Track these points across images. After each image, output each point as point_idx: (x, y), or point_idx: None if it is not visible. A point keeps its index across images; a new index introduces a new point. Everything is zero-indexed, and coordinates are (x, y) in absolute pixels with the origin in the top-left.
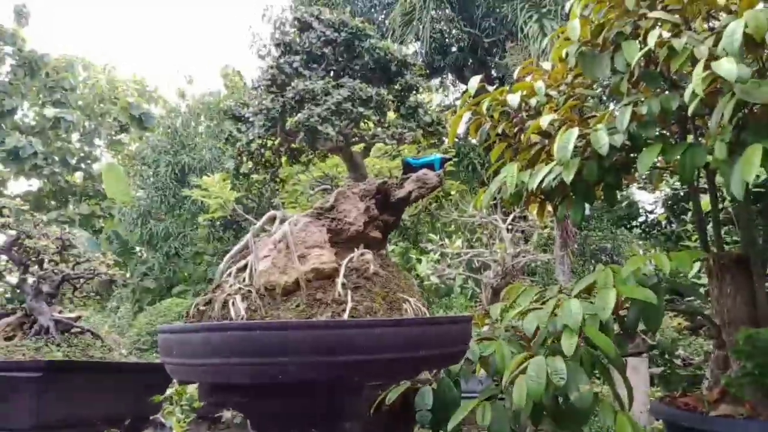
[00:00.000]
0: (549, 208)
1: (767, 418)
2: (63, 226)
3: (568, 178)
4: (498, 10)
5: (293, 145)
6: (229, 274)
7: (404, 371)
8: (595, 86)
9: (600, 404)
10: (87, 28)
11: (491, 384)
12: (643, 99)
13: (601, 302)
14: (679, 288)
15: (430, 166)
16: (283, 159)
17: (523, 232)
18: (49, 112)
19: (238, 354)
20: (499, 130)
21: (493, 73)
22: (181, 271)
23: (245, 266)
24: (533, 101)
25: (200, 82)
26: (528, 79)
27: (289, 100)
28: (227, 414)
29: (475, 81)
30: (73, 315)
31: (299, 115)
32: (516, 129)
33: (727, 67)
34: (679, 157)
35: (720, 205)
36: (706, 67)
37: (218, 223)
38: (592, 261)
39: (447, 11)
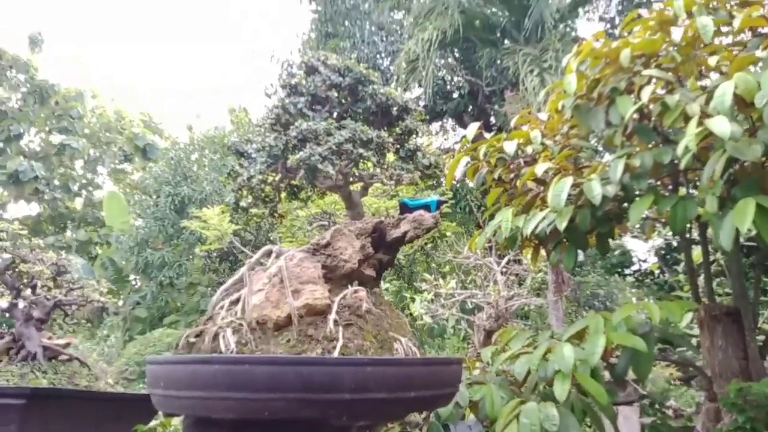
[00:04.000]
0: (543, 252)
1: None
2: (59, 251)
3: (561, 225)
4: (499, 61)
5: (293, 182)
6: (222, 307)
7: (394, 412)
8: (590, 137)
9: None
10: (99, 58)
11: (482, 429)
12: (636, 151)
13: (591, 347)
14: (670, 338)
15: (426, 207)
16: (282, 195)
17: (517, 275)
18: (56, 138)
19: (225, 388)
20: (496, 176)
21: (492, 120)
22: (174, 301)
23: (238, 299)
24: (529, 149)
25: (208, 119)
26: (525, 128)
27: (291, 139)
28: None
29: (473, 127)
30: (62, 341)
31: (300, 153)
32: (512, 175)
33: (720, 126)
34: (670, 209)
35: (712, 257)
36: (699, 123)
37: (215, 254)
38: (585, 307)
39: (450, 60)
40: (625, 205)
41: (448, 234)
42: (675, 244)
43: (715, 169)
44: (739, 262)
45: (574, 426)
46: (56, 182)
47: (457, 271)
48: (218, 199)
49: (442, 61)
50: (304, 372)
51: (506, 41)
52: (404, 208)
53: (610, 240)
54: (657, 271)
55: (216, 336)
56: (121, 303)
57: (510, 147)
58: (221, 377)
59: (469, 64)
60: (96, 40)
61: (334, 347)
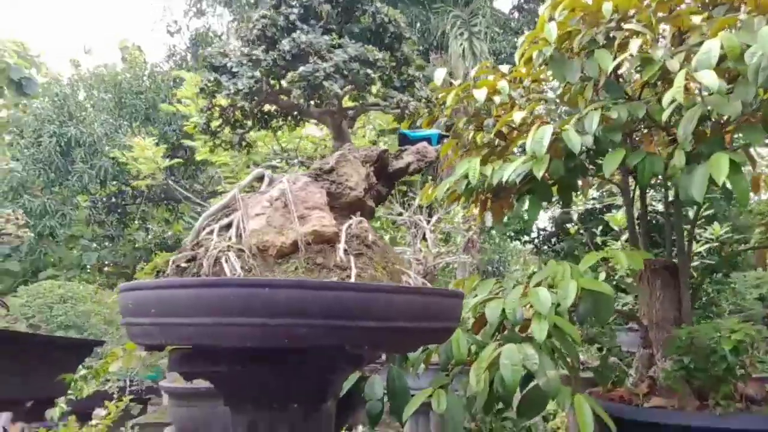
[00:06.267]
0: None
1: (693, 409)
2: None
3: (539, 172)
4: (422, 22)
5: (277, 104)
6: (211, 232)
7: (410, 343)
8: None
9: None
10: None
11: (441, 374)
12: (611, 105)
13: (563, 292)
14: (624, 285)
15: (427, 140)
16: (249, 122)
17: (445, 233)
18: None
19: (240, 313)
20: (461, 125)
21: None
22: (52, 254)
23: (230, 225)
24: (497, 99)
25: (95, 55)
26: (491, 77)
27: (285, 53)
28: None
29: (441, 73)
30: None
31: (303, 68)
32: (470, 126)
33: (709, 78)
34: (638, 162)
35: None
36: (687, 76)
37: (99, 205)
38: (480, 270)
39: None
40: (593, 159)
41: None
42: (599, 207)
43: (686, 126)
44: (680, 218)
45: (549, 365)
46: None
47: (387, 228)
48: (110, 142)
49: None
50: (330, 297)
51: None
52: (404, 140)
53: (573, 192)
54: (554, 239)
55: (217, 260)
56: None
57: (480, 95)
58: (237, 301)
59: None
60: None
61: (348, 276)
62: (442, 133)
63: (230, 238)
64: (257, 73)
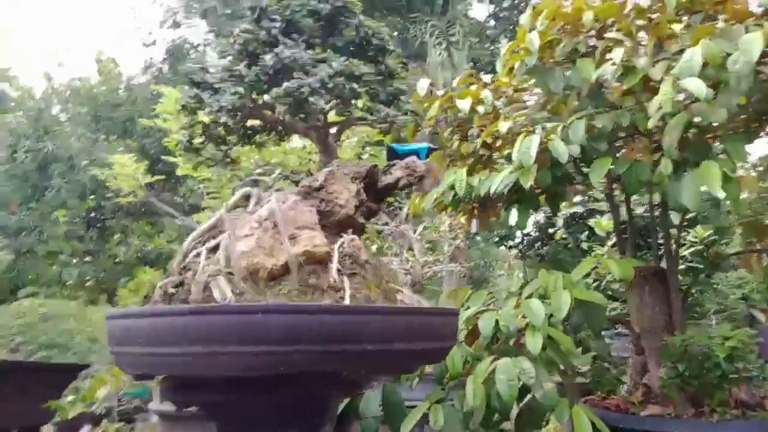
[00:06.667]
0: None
1: (689, 417)
2: None
3: (527, 183)
4: (399, 32)
5: (261, 119)
6: (198, 254)
7: (409, 365)
8: (528, 103)
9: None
10: None
11: (436, 387)
12: (595, 113)
13: (556, 303)
14: (615, 294)
15: (415, 153)
16: (232, 138)
17: (430, 242)
18: None
19: (231, 342)
20: (447, 134)
21: None
22: (30, 270)
23: (217, 247)
24: (480, 109)
25: (69, 69)
26: (473, 87)
27: (267, 68)
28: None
29: (424, 84)
30: None
31: (287, 84)
32: (455, 136)
33: (696, 85)
34: (625, 171)
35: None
36: (674, 84)
37: (78, 220)
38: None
39: None
40: (580, 167)
41: None
42: (582, 212)
43: (672, 134)
44: (667, 224)
45: (544, 377)
46: None
47: (374, 239)
48: (87, 157)
49: None
50: (328, 321)
51: (412, 12)
52: (392, 154)
53: (561, 201)
54: (537, 245)
55: (206, 286)
56: None
57: (464, 105)
58: (229, 329)
59: None
60: None
61: (342, 297)
62: (431, 147)
63: (218, 261)
64: (240, 89)
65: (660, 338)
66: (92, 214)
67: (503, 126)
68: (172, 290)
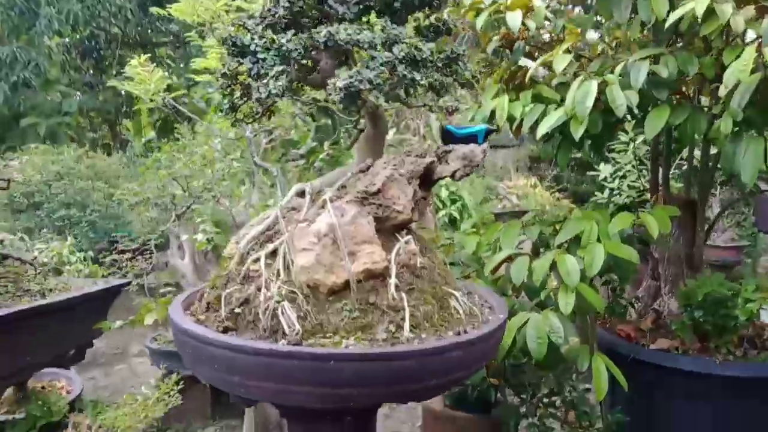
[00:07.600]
0: None
1: (695, 353)
2: None
3: (578, 133)
4: None
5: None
6: (257, 260)
7: (456, 385)
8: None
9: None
10: None
11: None
12: (660, 55)
13: (590, 259)
14: (646, 239)
15: (473, 136)
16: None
17: None
18: None
19: (304, 383)
20: (490, 50)
21: None
22: (29, 100)
23: (275, 251)
24: (531, 23)
25: None
26: None
27: (318, 43)
28: None
29: None
30: None
31: (342, 81)
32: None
33: None
34: (681, 122)
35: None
36: (758, 49)
37: (73, 52)
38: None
39: None
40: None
41: None
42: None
43: (744, 96)
44: (708, 157)
45: (570, 332)
46: None
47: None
48: None
49: None
50: (394, 366)
51: None
52: (448, 137)
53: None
54: None
55: (274, 313)
56: None
57: (514, 19)
58: (304, 373)
59: None
60: None
61: (403, 318)
62: (490, 128)
63: (278, 272)
64: (288, 68)
65: (678, 267)
66: (86, 43)
67: (559, 64)
68: (237, 310)
